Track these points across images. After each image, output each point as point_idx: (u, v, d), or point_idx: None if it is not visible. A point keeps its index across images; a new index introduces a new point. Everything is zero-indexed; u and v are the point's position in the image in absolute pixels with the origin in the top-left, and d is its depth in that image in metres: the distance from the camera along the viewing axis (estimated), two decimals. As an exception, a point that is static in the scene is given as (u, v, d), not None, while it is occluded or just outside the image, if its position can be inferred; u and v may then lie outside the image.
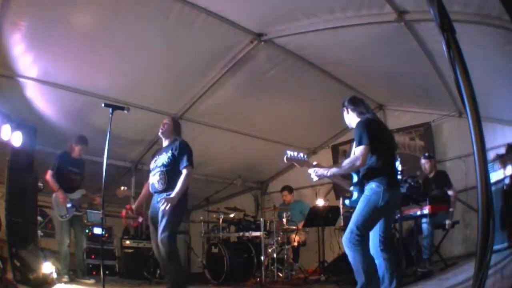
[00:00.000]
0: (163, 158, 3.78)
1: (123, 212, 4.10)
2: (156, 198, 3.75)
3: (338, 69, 5.44)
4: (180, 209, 3.65)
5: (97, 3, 3.95)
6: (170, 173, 3.69)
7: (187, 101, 5.75)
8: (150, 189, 3.83)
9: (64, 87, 5.00)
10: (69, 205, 4.79)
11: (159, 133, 3.95)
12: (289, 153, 2.96)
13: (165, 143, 3.93)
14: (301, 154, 2.99)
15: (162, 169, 3.71)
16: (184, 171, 3.65)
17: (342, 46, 4.75)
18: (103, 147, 3.62)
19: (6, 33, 3.97)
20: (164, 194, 3.63)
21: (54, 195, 4.82)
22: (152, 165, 3.88)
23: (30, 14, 3.87)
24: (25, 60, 4.45)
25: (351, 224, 2.84)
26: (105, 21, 4.15)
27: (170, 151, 3.77)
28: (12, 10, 3.73)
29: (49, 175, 4.84)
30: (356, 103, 3.19)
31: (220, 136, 6.66)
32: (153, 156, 3.98)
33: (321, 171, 2.93)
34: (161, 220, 3.53)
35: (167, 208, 3.44)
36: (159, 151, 3.96)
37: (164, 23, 4.21)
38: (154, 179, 3.76)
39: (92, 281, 4.77)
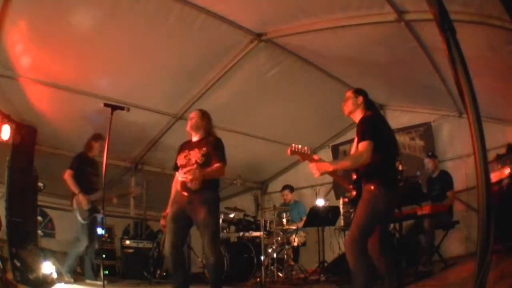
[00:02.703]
0: (195, 155, 3.52)
1: (163, 221, 3.67)
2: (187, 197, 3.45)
3: (338, 69, 5.44)
4: (218, 209, 3.61)
5: (97, 4, 3.95)
6: None
7: (187, 101, 5.75)
8: (181, 187, 3.46)
9: (64, 88, 5.00)
10: (89, 207, 4.73)
11: (188, 128, 3.69)
12: (294, 145, 2.95)
13: (195, 137, 3.69)
14: (305, 148, 2.96)
15: (195, 167, 3.43)
16: (217, 164, 3.46)
17: (342, 46, 4.75)
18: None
19: (6, 33, 3.97)
20: (199, 194, 3.39)
21: (75, 198, 4.76)
22: (182, 161, 3.56)
23: (30, 14, 3.87)
24: (25, 60, 4.45)
25: (353, 229, 2.81)
26: (105, 21, 4.14)
27: (204, 148, 3.53)
28: (12, 10, 3.73)
29: (68, 175, 4.76)
30: (362, 95, 3.17)
31: (220, 136, 6.64)
32: (181, 150, 3.66)
33: (323, 166, 2.88)
34: (205, 223, 3.35)
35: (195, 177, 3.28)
36: (186, 145, 3.68)
37: (164, 23, 4.21)
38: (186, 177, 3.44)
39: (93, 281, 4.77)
